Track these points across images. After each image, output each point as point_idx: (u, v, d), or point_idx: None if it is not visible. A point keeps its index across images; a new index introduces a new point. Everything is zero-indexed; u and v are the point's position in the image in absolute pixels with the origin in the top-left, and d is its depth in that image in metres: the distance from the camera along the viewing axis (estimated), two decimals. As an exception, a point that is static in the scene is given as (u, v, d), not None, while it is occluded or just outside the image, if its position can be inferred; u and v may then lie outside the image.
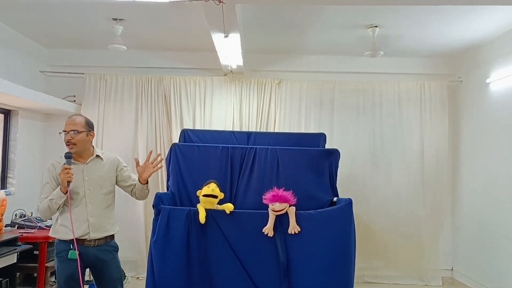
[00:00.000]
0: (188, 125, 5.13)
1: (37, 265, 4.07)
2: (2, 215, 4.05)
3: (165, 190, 4.14)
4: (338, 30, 4.47)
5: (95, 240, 2.72)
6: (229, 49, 4.20)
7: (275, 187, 3.41)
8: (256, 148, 3.93)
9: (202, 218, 3.16)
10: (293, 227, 3.18)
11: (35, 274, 4.14)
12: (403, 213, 5.16)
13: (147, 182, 2.84)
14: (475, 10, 3.85)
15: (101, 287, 2.85)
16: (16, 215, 4.53)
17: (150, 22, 4.34)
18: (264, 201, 3.31)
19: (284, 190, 3.34)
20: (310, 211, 3.28)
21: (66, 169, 2.60)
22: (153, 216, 3.32)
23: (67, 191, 2.61)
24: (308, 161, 3.85)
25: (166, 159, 4.03)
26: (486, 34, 4.49)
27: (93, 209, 2.72)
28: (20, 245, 3.80)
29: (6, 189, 4.70)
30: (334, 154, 3.91)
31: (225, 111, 5.23)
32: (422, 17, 4.06)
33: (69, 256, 2.64)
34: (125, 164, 2.96)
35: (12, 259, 3.74)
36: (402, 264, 5.13)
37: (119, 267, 2.90)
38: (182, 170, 3.86)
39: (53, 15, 4.20)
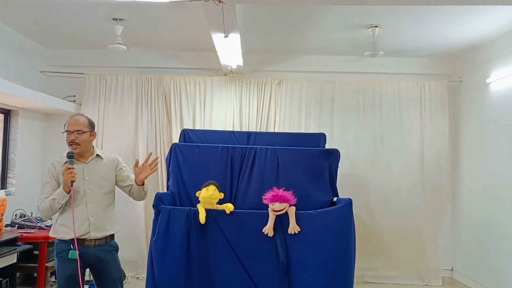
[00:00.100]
0: (188, 125, 5.13)
1: (37, 265, 4.07)
2: (2, 215, 4.05)
3: (165, 190, 4.14)
4: (338, 30, 4.47)
5: (95, 240, 2.72)
6: (229, 49, 4.20)
7: (275, 187, 3.41)
8: (256, 148, 3.93)
9: (202, 218, 3.17)
10: (293, 227, 3.18)
11: (35, 274, 4.14)
12: (403, 213, 5.16)
13: (143, 184, 2.83)
14: (475, 10, 3.85)
15: (101, 287, 2.85)
16: (16, 215, 4.53)
17: (150, 22, 4.34)
18: (264, 201, 3.32)
19: (284, 190, 3.34)
20: (310, 211, 3.29)
21: (70, 169, 2.61)
22: (153, 216, 3.32)
23: (69, 191, 2.61)
24: (308, 161, 3.85)
25: (166, 159, 4.04)
26: (486, 34, 4.49)
27: (93, 208, 2.73)
28: (20, 245, 3.81)
29: (6, 189, 4.70)
30: (334, 154, 3.91)
31: (225, 111, 5.23)
32: (422, 17, 4.06)
33: (69, 256, 2.64)
34: (124, 164, 2.96)
35: (12, 259, 3.74)
36: (402, 264, 5.14)
37: (119, 267, 2.90)
38: (182, 170, 3.87)
39: (53, 15, 4.20)
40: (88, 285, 3.82)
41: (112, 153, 3.01)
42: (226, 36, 3.77)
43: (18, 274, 4.11)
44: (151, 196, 4.31)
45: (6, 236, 3.83)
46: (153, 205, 3.37)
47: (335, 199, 3.74)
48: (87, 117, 2.86)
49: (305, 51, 5.32)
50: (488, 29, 4.32)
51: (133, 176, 2.90)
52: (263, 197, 3.36)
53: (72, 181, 2.60)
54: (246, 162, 3.90)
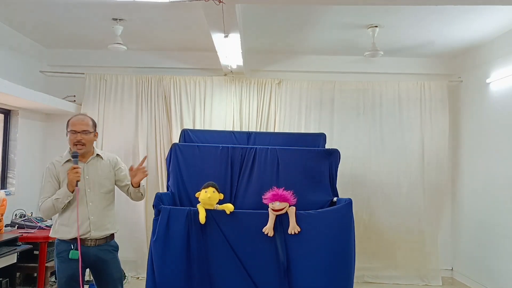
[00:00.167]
0: (188, 125, 5.13)
1: (37, 265, 4.07)
2: (2, 215, 4.05)
3: (165, 190, 4.14)
4: (338, 30, 4.47)
5: (95, 239, 2.72)
6: (229, 49, 4.20)
7: (275, 187, 3.41)
8: (256, 148, 3.93)
9: (202, 218, 3.17)
10: (293, 227, 3.18)
11: (35, 274, 4.14)
12: (403, 213, 5.16)
13: (139, 186, 2.83)
14: (475, 10, 3.85)
15: (101, 287, 2.85)
16: (16, 215, 4.53)
17: (150, 22, 4.34)
18: (264, 201, 3.31)
19: (284, 190, 3.34)
20: (310, 211, 3.28)
21: (75, 168, 2.62)
22: (153, 216, 3.32)
23: (73, 190, 2.62)
24: (308, 161, 3.85)
25: (166, 159, 4.04)
26: (486, 34, 4.49)
27: (94, 207, 2.73)
28: (20, 245, 3.81)
29: (6, 189, 4.70)
30: (334, 154, 3.91)
31: (225, 111, 5.23)
32: (422, 17, 4.06)
33: (70, 256, 2.64)
34: (123, 165, 2.97)
35: (12, 259, 3.74)
36: (402, 264, 5.14)
37: (119, 267, 2.90)
38: (182, 170, 3.86)
39: (53, 15, 4.20)
40: (88, 285, 3.82)
41: (112, 153, 3.03)
42: (226, 36, 3.77)
43: (18, 274, 4.11)
44: (151, 196, 4.32)
45: (6, 236, 3.82)
46: (153, 205, 3.37)
47: (335, 199, 3.74)
48: (90, 117, 2.87)
49: (305, 51, 5.32)
50: (488, 29, 4.32)
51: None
52: (263, 196, 3.35)
53: (77, 181, 2.62)
54: (246, 162, 3.89)
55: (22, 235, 4.00)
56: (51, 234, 2.76)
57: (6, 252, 3.59)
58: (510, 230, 4.25)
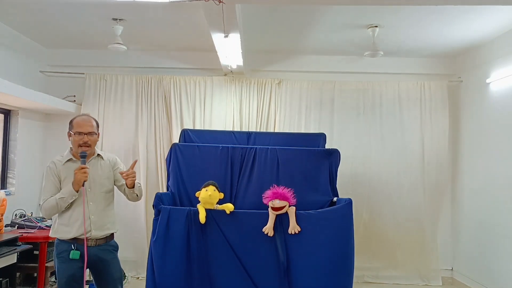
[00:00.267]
0: (188, 125, 5.13)
1: (37, 265, 4.07)
2: (2, 215, 4.05)
3: (165, 190, 4.14)
4: (338, 30, 4.47)
5: (95, 239, 2.72)
6: (229, 49, 4.20)
7: (275, 185, 3.42)
8: (256, 148, 3.93)
9: (202, 218, 3.17)
10: (293, 227, 3.18)
11: (35, 274, 4.14)
12: (403, 213, 5.16)
13: (133, 187, 2.82)
14: (475, 10, 3.85)
15: (101, 287, 2.85)
16: (16, 215, 4.53)
17: (150, 22, 4.34)
18: (264, 200, 3.31)
19: (284, 188, 3.34)
20: (310, 211, 3.29)
21: (83, 168, 2.63)
22: (153, 216, 3.32)
23: (78, 190, 2.64)
24: (308, 161, 3.85)
25: (166, 159, 4.04)
26: (486, 34, 4.49)
27: (94, 207, 2.73)
28: (20, 245, 3.80)
29: (6, 189, 4.70)
30: (334, 154, 3.91)
31: (225, 111, 5.23)
32: (422, 17, 4.06)
33: (70, 257, 2.64)
34: (122, 165, 2.98)
35: (12, 259, 3.74)
36: (402, 264, 5.14)
37: (119, 266, 2.91)
38: (182, 170, 3.86)
39: (53, 15, 4.20)
40: (88, 285, 3.82)
41: (112, 153, 3.06)
42: (226, 36, 3.77)
43: (18, 274, 4.11)
44: (151, 196, 4.32)
45: (6, 236, 3.82)
46: (153, 205, 3.37)
47: (335, 199, 3.74)
48: (93, 118, 2.88)
49: (305, 51, 5.32)
50: (488, 29, 4.32)
51: None
52: (262, 196, 3.35)
53: (84, 181, 2.63)
54: (246, 162, 3.89)
55: (22, 235, 4.00)
56: (51, 234, 2.76)
57: (6, 252, 3.59)
58: (510, 230, 4.25)
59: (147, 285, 3.20)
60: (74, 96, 5.34)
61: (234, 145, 4.00)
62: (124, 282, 4.37)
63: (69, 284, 2.67)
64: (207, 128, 5.14)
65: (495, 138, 4.55)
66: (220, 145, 3.96)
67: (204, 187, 3.31)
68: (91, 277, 2.91)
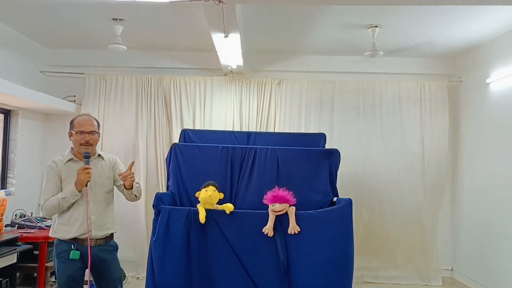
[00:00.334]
0: (188, 125, 5.13)
1: (37, 265, 4.07)
2: (2, 215, 4.05)
3: (165, 190, 4.14)
4: (338, 30, 4.47)
5: (95, 239, 2.73)
6: (229, 49, 4.20)
7: (276, 186, 3.42)
8: (256, 148, 3.93)
9: (202, 218, 3.17)
10: (293, 227, 3.18)
11: (35, 274, 4.14)
12: (403, 213, 5.16)
13: (131, 188, 2.82)
14: (475, 10, 3.85)
15: (101, 287, 2.85)
16: (16, 215, 4.53)
17: (150, 22, 4.34)
18: (264, 201, 3.31)
19: (284, 190, 3.34)
20: (310, 211, 3.29)
21: (87, 168, 2.64)
22: (153, 216, 3.32)
23: (81, 190, 2.65)
24: (308, 161, 3.85)
25: (166, 159, 4.04)
26: (486, 34, 4.49)
27: (94, 207, 2.74)
28: (20, 245, 3.80)
29: (6, 189, 4.70)
30: (334, 154, 3.91)
31: (225, 111, 5.23)
32: (422, 17, 4.05)
33: (70, 257, 2.65)
34: (122, 165, 2.99)
35: (12, 259, 3.74)
36: (402, 264, 5.14)
37: (119, 267, 2.91)
38: (182, 170, 3.86)
39: (53, 15, 4.20)
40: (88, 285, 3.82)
41: (112, 153, 3.08)
42: (226, 36, 3.77)
43: (18, 274, 4.11)
44: (151, 196, 4.32)
45: (6, 236, 3.82)
46: (153, 205, 3.37)
47: (335, 199, 3.74)
48: (94, 117, 2.90)
49: (305, 51, 5.32)
50: (488, 29, 4.32)
51: None
52: (263, 197, 3.35)
53: (88, 181, 2.64)
54: (246, 162, 3.89)
55: (22, 235, 4.00)
56: (51, 234, 2.77)
57: (6, 252, 3.59)
58: (510, 230, 4.25)
59: (147, 285, 3.20)
60: (74, 96, 5.34)
61: (234, 145, 4.00)
62: (124, 282, 4.38)
63: (69, 284, 2.67)
64: (207, 128, 5.14)
65: (495, 138, 4.55)
66: (220, 145, 3.96)
67: (204, 188, 3.31)
68: (91, 277, 2.91)
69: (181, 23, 4.31)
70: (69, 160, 2.76)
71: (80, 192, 2.65)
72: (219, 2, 2.96)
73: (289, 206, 3.24)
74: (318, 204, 3.67)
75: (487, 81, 4.70)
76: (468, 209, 5.06)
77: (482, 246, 4.72)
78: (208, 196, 3.24)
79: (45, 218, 4.49)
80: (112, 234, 2.87)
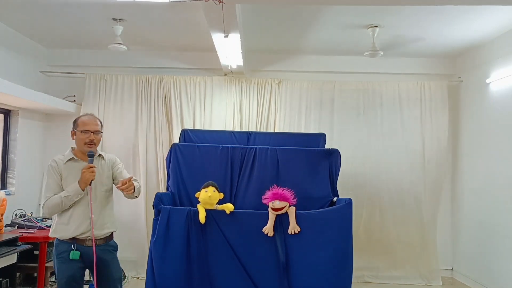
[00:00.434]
0: (188, 125, 5.14)
1: (37, 265, 4.07)
2: (2, 215, 4.05)
3: (165, 190, 4.14)
4: (338, 30, 4.47)
5: (96, 239, 2.72)
6: (229, 49, 4.20)
7: (275, 186, 3.42)
8: (256, 148, 3.93)
9: (202, 218, 3.16)
10: (293, 227, 3.17)
11: (35, 274, 4.14)
12: (403, 213, 5.16)
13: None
14: (475, 10, 3.85)
15: (101, 287, 2.85)
16: (16, 215, 4.53)
17: (150, 22, 4.34)
18: (264, 201, 3.31)
19: (284, 189, 3.34)
20: (310, 211, 3.29)
21: (91, 167, 2.65)
22: (153, 216, 3.32)
23: (84, 189, 2.66)
24: (308, 161, 3.85)
25: (166, 159, 4.04)
26: (486, 34, 4.49)
27: (94, 206, 2.74)
28: (20, 245, 3.80)
29: (6, 189, 4.70)
30: (334, 154, 3.91)
31: (225, 111, 5.23)
32: (422, 17, 4.06)
33: (70, 257, 2.64)
34: (121, 164, 3.00)
35: (12, 259, 3.74)
36: (402, 264, 5.14)
37: (119, 266, 2.91)
38: (182, 170, 3.86)
39: (53, 15, 4.20)
40: (88, 285, 3.82)
41: (112, 153, 3.07)
42: (226, 36, 3.77)
43: (18, 274, 4.11)
44: (151, 196, 4.32)
45: (6, 236, 3.82)
46: (153, 205, 3.37)
47: (335, 199, 3.74)
48: (97, 117, 2.91)
49: (305, 51, 5.32)
50: (488, 29, 4.32)
51: (125, 174, 2.91)
52: (262, 196, 3.35)
53: (92, 180, 2.66)
54: (246, 162, 3.89)
55: (22, 235, 4.00)
56: (51, 234, 2.76)
57: (6, 252, 3.59)
58: (510, 230, 4.25)
59: (146, 285, 3.20)
60: (74, 96, 5.34)
61: (234, 145, 4.00)
62: (124, 282, 4.38)
63: (69, 284, 2.67)
64: (207, 128, 5.14)
65: (495, 138, 4.55)
66: (220, 145, 3.96)
67: (204, 188, 3.30)
68: (91, 277, 2.91)
69: (181, 23, 4.31)
70: (70, 159, 2.77)
71: (83, 190, 2.66)
72: (219, 2, 2.96)
73: (289, 206, 3.24)
74: (318, 204, 3.67)
75: (487, 81, 4.70)
76: (468, 209, 5.06)
77: (482, 246, 4.72)
78: (208, 197, 3.24)
79: (45, 218, 4.49)
80: (112, 234, 2.87)
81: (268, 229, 3.18)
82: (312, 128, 5.21)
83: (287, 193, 3.28)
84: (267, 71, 5.45)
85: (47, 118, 5.38)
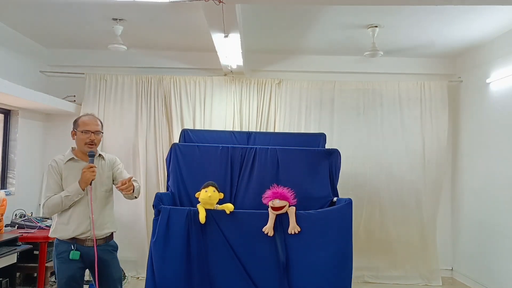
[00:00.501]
0: (188, 125, 5.14)
1: (37, 265, 4.07)
2: (2, 215, 4.05)
3: (165, 190, 4.14)
4: (338, 30, 4.47)
5: (96, 239, 2.72)
6: (229, 49, 4.20)
7: (275, 184, 3.42)
8: (256, 148, 3.93)
9: (202, 218, 3.17)
10: (293, 227, 3.17)
11: (35, 274, 4.14)
12: (403, 213, 5.16)
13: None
14: (475, 10, 3.85)
15: (101, 287, 2.85)
16: (16, 215, 4.53)
17: (150, 22, 4.34)
18: (264, 200, 3.31)
19: (284, 188, 3.34)
20: (310, 211, 3.29)
21: (92, 167, 2.66)
22: (153, 216, 3.32)
23: (85, 189, 2.66)
24: (308, 161, 3.85)
25: (166, 159, 4.04)
26: (486, 34, 4.49)
27: (94, 206, 2.74)
28: (20, 245, 3.80)
29: (6, 189, 4.70)
30: (334, 154, 3.91)
31: (225, 111, 5.23)
32: (422, 17, 4.06)
33: (70, 257, 2.65)
34: (121, 164, 3.00)
35: (12, 259, 3.74)
36: (402, 264, 5.14)
37: (119, 266, 2.92)
38: (182, 170, 3.86)
39: (53, 15, 4.20)
40: (88, 285, 3.82)
41: (112, 153, 3.08)
42: (226, 36, 3.77)
43: (18, 274, 4.11)
44: (151, 196, 4.32)
45: (6, 236, 3.82)
46: (153, 205, 3.37)
47: (335, 199, 3.74)
48: (98, 118, 2.91)
49: (305, 51, 5.32)
50: (488, 29, 4.32)
51: (125, 175, 2.92)
52: (262, 196, 3.35)
53: (92, 180, 2.67)
54: (246, 162, 3.89)
55: (22, 235, 4.00)
56: (51, 234, 2.77)
57: (6, 252, 3.59)
58: (510, 230, 4.25)
59: (147, 285, 3.20)
60: (74, 96, 5.34)
61: (234, 145, 4.00)
62: (124, 282, 4.38)
63: (69, 284, 2.67)
64: (207, 128, 5.14)
65: (495, 138, 4.55)
66: (220, 145, 3.96)
67: (204, 188, 3.31)
68: (91, 277, 2.91)
69: (181, 23, 4.31)
70: (70, 159, 2.77)
71: (83, 190, 2.66)
72: (219, 2, 2.96)
73: (289, 206, 3.24)
74: (318, 204, 3.67)
75: (487, 81, 4.70)
76: (468, 209, 5.06)
77: (482, 246, 4.72)
78: (208, 197, 3.24)
79: (45, 218, 4.49)
80: (112, 234, 2.87)
81: (268, 229, 3.18)
82: (312, 128, 5.21)
83: (287, 192, 3.28)
84: (267, 71, 5.45)
85: (47, 118, 5.38)
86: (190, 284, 3.16)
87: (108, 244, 2.82)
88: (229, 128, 5.15)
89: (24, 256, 4.00)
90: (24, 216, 4.57)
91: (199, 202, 3.30)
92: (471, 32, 4.44)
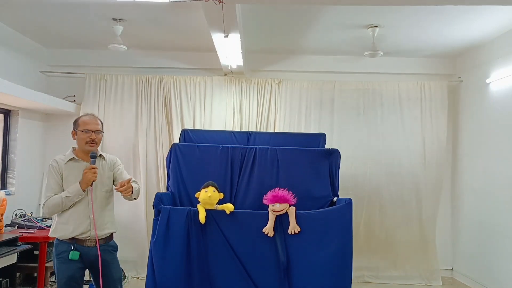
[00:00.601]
0: (188, 125, 5.14)
1: (37, 265, 4.07)
2: (2, 215, 4.05)
3: (165, 190, 4.14)
4: (338, 30, 4.47)
5: (95, 240, 2.72)
6: (229, 49, 4.20)
7: (276, 188, 3.41)
8: (256, 148, 3.93)
9: (202, 218, 3.17)
10: (293, 227, 3.18)
11: (35, 274, 4.14)
12: (403, 213, 5.16)
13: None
14: (475, 10, 3.85)
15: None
16: (16, 215, 4.53)
17: (150, 22, 4.34)
18: (264, 202, 3.32)
19: (284, 190, 3.34)
20: (310, 211, 3.29)
21: (93, 168, 2.66)
22: (153, 216, 3.32)
23: (85, 190, 2.66)
24: (308, 161, 3.85)
25: (166, 159, 4.04)
26: (486, 34, 4.49)
27: (95, 206, 2.74)
28: (20, 245, 3.80)
29: (6, 189, 4.70)
30: (334, 154, 3.91)
31: (225, 111, 5.23)
32: (422, 17, 4.06)
33: (70, 257, 2.65)
34: (122, 165, 3.00)
35: (12, 259, 3.74)
36: (402, 264, 5.14)
37: (119, 267, 2.92)
38: (182, 170, 3.86)
39: (53, 15, 4.20)
40: (88, 285, 3.82)
41: (112, 154, 3.08)
42: (226, 36, 3.77)
43: (18, 274, 4.11)
44: (151, 196, 4.32)
45: (6, 236, 3.82)
46: (153, 205, 3.37)
47: (335, 199, 3.74)
48: (98, 117, 2.91)
49: (305, 51, 5.32)
50: (488, 29, 4.32)
51: (125, 175, 2.92)
52: (263, 197, 3.36)
53: (93, 181, 2.67)
54: (246, 162, 3.89)
55: (22, 235, 4.00)
56: (50, 234, 2.77)
57: (6, 252, 3.59)
58: (510, 230, 4.25)
59: (147, 285, 3.20)
60: (74, 96, 5.34)
61: (234, 145, 4.00)
62: (124, 282, 4.38)
63: (69, 284, 2.67)
64: (207, 128, 5.14)
65: (495, 138, 4.55)
66: (220, 145, 3.96)
67: (204, 188, 3.31)
68: (91, 277, 2.91)
69: (181, 23, 4.31)
70: (71, 159, 2.77)
71: (84, 191, 2.67)
72: (219, 2, 2.97)
73: (289, 206, 3.24)
74: (318, 204, 3.67)
75: (487, 81, 4.70)
76: (468, 209, 5.06)
77: (482, 246, 4.72)
78: (208, 197, 3.24)
79: (45, 218, 4.49)
80: (112, 234, 2.88)
81: (268, 229, 3.18)
82: (312, 128, 5.21)
83: (287, 194, 3.28)
84: (267, 71, 5.45)
85: (47, 118, 5.38)
86: (190, 284, 3.16)
87: (108, 244, 2.82)
88: (229, 128, 5.15)
89: (24, 256, 4.00)
90: (24, 216, 4.57)
91: (199, 202, 3.30)
92: (471, 32, 4.44)
